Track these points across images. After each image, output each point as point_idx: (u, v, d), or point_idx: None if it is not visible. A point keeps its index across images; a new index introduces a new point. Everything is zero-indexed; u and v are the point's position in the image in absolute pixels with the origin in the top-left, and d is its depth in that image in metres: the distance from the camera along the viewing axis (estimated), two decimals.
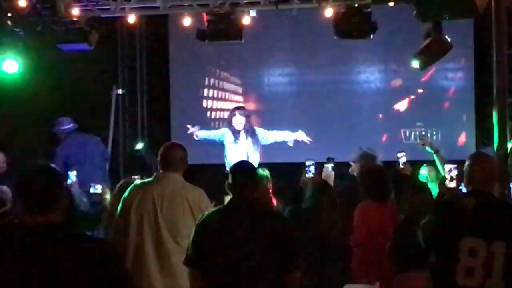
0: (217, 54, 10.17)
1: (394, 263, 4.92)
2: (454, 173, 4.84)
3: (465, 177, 3.68)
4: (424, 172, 6.40)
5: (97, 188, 6.23)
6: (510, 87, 6.12)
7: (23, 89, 8.94)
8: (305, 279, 4.20)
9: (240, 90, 10.50)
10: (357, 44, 8.80)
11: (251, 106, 9.96)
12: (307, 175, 5.80)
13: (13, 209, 5.08)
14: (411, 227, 4.28)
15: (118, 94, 10.26)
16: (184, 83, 10.57)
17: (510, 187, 5.47)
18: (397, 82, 10.22)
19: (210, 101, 10.53)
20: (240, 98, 10.46)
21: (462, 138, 9.99)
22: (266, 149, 8.37)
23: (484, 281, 3.41)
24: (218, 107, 10.50)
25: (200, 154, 8.45)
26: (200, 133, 8.24)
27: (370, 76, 10.29)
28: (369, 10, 7.53)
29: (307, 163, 5.85)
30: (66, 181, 6.31)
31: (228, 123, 8.27)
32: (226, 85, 10.53)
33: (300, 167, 5.91)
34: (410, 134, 9.90)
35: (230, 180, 3.97)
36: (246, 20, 7.94)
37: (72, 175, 6.33)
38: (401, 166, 6.39)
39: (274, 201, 5.58)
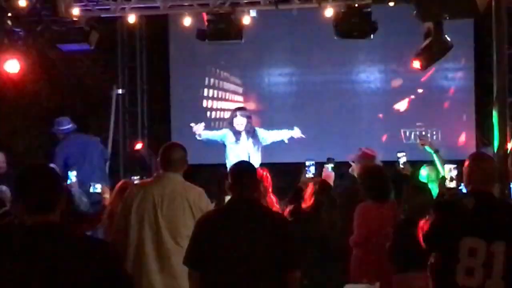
0: (217, 54, 10.17)
1: (394, 263, 4.93)
2: (454, 173, 4.83)
3: (465, 177, 3.67)
4: (424, 172, 6.40)
5: (97, 187, 6.24)
6: (510, 87, 6.11)
7: (23, 89, 8.94)
8: (305, 279, 4.20)
9: (240, 90, 10.50)
10: (357, 44, 8.80)
11: (251, 106, 9.96)
12: (307, 175, 5.80)
13: (12, 209, 5.08)
14: (411, 227, 4.28)
15: (118, 94, 10.26)
16: (184, 83, 10.57)
17: (510, 187, 5.46)
18: (397, 82, 10.22)
19: (210, 101, 10.53)
20: (240, 98, 10.46)
21: (462, 138, 10.00)
22: (266, 149, 8.37)
23: (484, 281, 3.41)
24: (218, 107, 10.50)
25: (200, 154, 8.45)
26: (203, 133, 8.24)
27: (370, 76, 10.30)
28: (369, 10, 7.53)
29: (307, 163, 5.85)
30: (66, 181, 6.32)
31: (229, 123, 8.27)
32: (226, 85, 10.54)
33: (300, 167, 5.91)
34: (410, 134, 9.90)
35: (230, 180, 3.97)
36: (246, 20, 7.94)
37: (72, 176, 6.33)
38: (401, 166, 6.39)
39: (274, 201, 5.57)
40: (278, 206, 5.58)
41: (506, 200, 4.90)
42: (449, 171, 4.86)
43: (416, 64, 7.19)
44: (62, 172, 7.06)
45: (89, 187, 6.34)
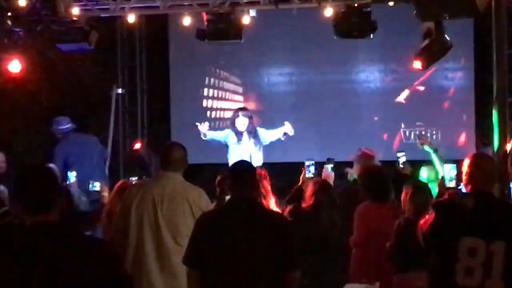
0: (217, 54, 10.17)
1: (394, 263, 4.93)
2: (454, 173, 4.84)
3: (465, 177, 3.67)
4: (424, 174, 6.39)
5: (95, 186, 6.25)
6: (510, 87, 6.11)
7: (23, 89, 8.94)
8: (305, 279, 4.20)
9: (240, 89, 10.50)
10: (357, 44, 8.81)
11: (251, 105, 9.97)
12: (307, 175, 5.80)
13: (12, 209, 5.08)
14: (411, 227, 4.28)
15: (118, 94, 10.26)
16: (184, 82, 10.58)
17: (510, 187, 5.46)
18: (397, 82, 10.22)
19: (210, 101, 10.53)
20: (240, 98, 10.46)
21: (462, 138, 10.00)
22: (266, 149, 8.38)
23: (484, 281, 3.40)
24: (218, 107, 10.51)
25: (200, 154, 8.46)
26: (208, 133, 8.26)
27: (370, 75, 10.30)
28: (369, 9, 7.53)
29: (307, 163, 5.85)
30: (66, 181, 6.32)
31: (231, 124, 8.30)
32: (226, 85, 10.54)
33: (300, 167, 5.91)
34: (410, 133, 9.90)
35: (230, 180, 3.97)
36: (246, 20, 7.94)
37: (72, 176, 6.33)
38: (401, 166, 6.40)
39: (274, 201, 5.57)
40: (278, 206, 5.58)
41: (506, 200, 4.89)
42: (448, 171, 4.87)
43: (417, 64, 7.19)
44: (62, 171, 7.07)
45: (88, 185, 6.35)
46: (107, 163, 8.73)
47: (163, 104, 10.73)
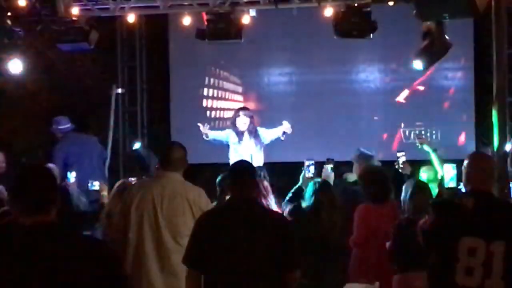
0: (217, 54, 10.17)
1: (394, 263, 4.93)
2: (454, 172, 4.83)
3: (464, 177, 3.67)
4: (424, 175, 6.39)
5: (94, 185, 6.24)
6: (510, 87, 6.13)
7: (23, 89, 8.94)
8: (305, 279, 4.20)
9: (240, 89, 10.50)
10: (357, 44, 8.79)
11: (251, 105, 9.96)
12: (307, 175, 5.80)
13: (11, 209, 5.07)
14: (411, 227, 4.28)
15: (118, 94, 10.26)
16: (184, 82, 10.57)
17: (510, 187, 5.47)
18: (397, 82, 10.22)
19: (210, 101, 10.53)
20: (239, 98, 10.46)
21: (462, 138, 10.00)
22: (266, 149, 8.37)
23: (484, 281, 3.40)
24: (218, 107, 10.51)
25: (200, 154, 8.46)
26: (210, 133, 8.27)
27: (369, 75, 10.30)
28: (368, 9, 7.53)
29: (306, 162, 5.85)
30: (65, 181, 6.32)
31: (232, 124, 8.29)
32: (226, 85, 10.54)
33: (300, 167, 5.91)
34: (410, 133, 9.89)
35: (229, 180, 3.97)
36: (245, 20, 7.94)
37: (71, 176, 6.33)
38: (401, 165, 6.39)
39: (274, 201, 5.57)
40: (278, 206, 5.58)
41: (505, 200, 4.89)
42: (448, 171, 4.87)
43: (417, 64, 7.19)
44: (62, 171, 7.07)
45: (88, 185, 6.34)
46: (107, 163, 8.73)
47: (163, 104, 10.73)
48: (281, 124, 8.29)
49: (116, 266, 2.75)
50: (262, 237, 3.76)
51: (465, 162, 3.68)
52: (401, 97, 10.15)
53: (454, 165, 4.86)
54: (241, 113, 8.28)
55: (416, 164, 6.62)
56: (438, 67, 9.09)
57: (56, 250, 2.60)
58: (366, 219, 5.39)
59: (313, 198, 5.35)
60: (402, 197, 5.04)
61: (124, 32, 10.50)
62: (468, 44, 9.78)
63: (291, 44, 10.27)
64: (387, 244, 4.98)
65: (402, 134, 10.01)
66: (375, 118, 10.21)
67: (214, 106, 10.51)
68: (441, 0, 6.15)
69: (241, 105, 9.59)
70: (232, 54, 10.14)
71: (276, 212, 4.77)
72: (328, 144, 9.63)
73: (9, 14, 7.34)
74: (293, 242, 3.85)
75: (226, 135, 8.31)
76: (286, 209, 5.51)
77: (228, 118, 9.82)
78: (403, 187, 5.09)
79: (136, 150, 10.11)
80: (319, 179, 5.65)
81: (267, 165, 7.83)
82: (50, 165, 6.79)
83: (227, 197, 4.12)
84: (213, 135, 8.35)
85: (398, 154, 6.48)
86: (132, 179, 6.28)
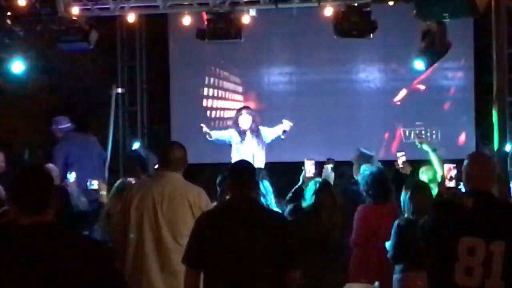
0: (216, 53, 10.17)
1: (394, 263, 4.93)
2: (454, 172, 4.83)
3: (464, 177, 3.67)
4: (424, 177, 6.38)
5: (93, 184, 6.23)
6: (510, 86, 6.13)
7: (23, 89, 8.94)
8: (305, 279, 4.20)
9: (240, 89, 10.50)
10: (357, 44, 8.79)
11: (251, 105, 9.93)
12: (307, 175, 5.79)
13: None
14: (411, 227, 4.28)
15: (117, 94, 10.25)
16: (184, 82, 10.57)
17: (510, 187, 5.47)
18: (396, 81, 10.22)
19: (210, 100, 10.53)
20: (240, 97, 10.46)
21: (462, 137, 10.00)
22: (266, 149, 8.36)
23: (483, 281, 3.40)
24: (218, 106, 10.50)
25: (200, 154, 8.46)
26: (212, 133, 8.26)
27: (369, 75, 10.29)
28: (368, 9, 7.52)
29: (306, 162, 5.84)
30: (64, 181, 6.31)
31: (234, 123, 8.28)
32: (226, 84, 10.53)
33: (300, 167, 5.91)
34: (410, 133, 9.89)
35: (230, 179, 3.97)
36: (245, 19, 7.93)
37: (71, 176, 6.33)
38: (401, 165, 6.39)
39: (274, 201, 5.57)
40: (278, 206, 5.58)
41: (505, 200, 4.89)
42: (448, 170, 4.86)
43: (417, 64, 7.19)
44: (62, 171, 7.07)
45: (86, 184, 6.34)
46: (107, 163, 8.72)
47: (163, 104, 10.72)
48: (281, 123, 8.28)
49: (115, 266, 2.76)
50: (262, 237, 3.76)
51: (465, 162, 3.68)
52: (401, 97, 10.15)
53: (454, 165, 4.86)
54: (243, 111, 8.27)
55: (416, 164, 6.61)
56: (438, 67, 9.10)
57: (56, 250, 2.60)
58: (366, 219, 5.40)
59: (313, 198, 5.34)
60: (402, 197, 5.04)
61: (124, 32, 10.50)
62: (468, 44, 9.78)
63: (291, 44, 10.27)
64: (387, 244, 4.99)
65: (402, 134, 10.01)
66: (375, 118, 10.20)
67: (214, 106, 10.50)
68: (441, 0, 6.15)
69: (241, 104, 9.59)
70: (232, 54, 10.14)
71: (276, 212, 4.76)
72: (328, 144, 9.63)
73: (9, 14, 7.34)
74: (293, 242, 3.85)
75: (228, 135, 8.30)
76: (286, 209, 5.51)
77: (228, 118, 9.82)
78: (403, 187, 5.10)
79: (135, 150, 10.10)
80: (319, 179, 5.65)
81: (268, 165, 7.83)
82: (50, 165, 6.80)
83: (227, 197, 4.12)
84: (216, 135, 8.34)
85: (398, 154, 6.48)
86: (131, 179, 6.27)
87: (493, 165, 3.81)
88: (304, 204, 5.44)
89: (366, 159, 6.52)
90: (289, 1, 7.99)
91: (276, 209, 5.36)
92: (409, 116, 10.05)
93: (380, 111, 10.23)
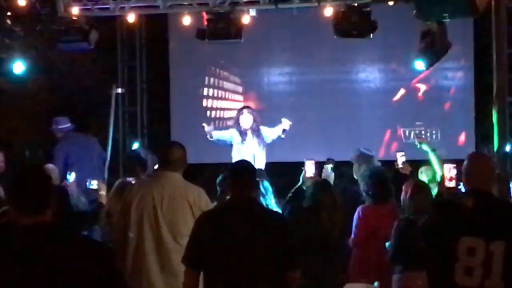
0: (217, 53, 10.17)
1: (394, 263, 4.93)
2: (453, 172, 4.83)
3: (464, 177, 3.67)
4: (424, 177, 6.38)
5: (92, 184, 6.23)
6: (510, 87, 6.13)
7: (23, 89, 8.94)
8: (305, 279, 4.20)
9: (240, 89, 10.50)
10: (357, 44, 8.79)
11: (251, 105, 9.93)
12: (307, 175, 5.79)
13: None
14: (411, 227, 4.28)
15: (117, 94, 10.25)
16: (184, 82, 10.57)
17: (510, 187, 5.47)
18: (396, 81, 10.22)
19: (210, 100, 10.53)
20: (239, 97, 10.46)
21: (462, 137, 10.00)
22: (266, 149, 8.36)
23: (483, 281, 3.40)
24: (218, 106, 10.51)
25: (200, 154, 8.46)
26: (213, 134, 8.26)
27: (369, 75, 10.30)
28: (368, 9, 7.53)
29: (307, 162, 5.84)
30: (64, 181, 6.31)
31: (235, 123, 8.28)
32: (226, 84, 10.54)
33: (300, 167, 5.91)
34: (410, 133, 9.89)
35: (230, 179, 3.97)
36: (245, 19, 7.94)
37: (71, 177, 6.33)
38: (401, 165, 6.39)
39: (274, 201, 5.57)
40: (277, 206, 5.58)
41: (505, 200, 4.89)
42: (448, 170, 4.87)
43: (417, 64, 7.19)
44: (62, 171, 7.07)
45: (86, 184, 6.34)
46: (107, 163, 8.72)
47: (163, 104, 10.73)
48: (280, 123, 8.28)
49: (115, 266, 2.76)
50: (262, 237, 3.76)
51: (465, 162, 3.68)
52: (401, 97, 10.15)
53: (454, 164, 4.86)
54: (245, 111, 8.28)
55: (416, 164, 6.61)
56: (438, 67, 9.07)
57: (56, 250, 2.60)
58: (366, 219, 5.40)
59: (313, 198, 5.34)
60: (402, 197, 5.04)
61: (124, 32, 10.50)
62: (468, 44, 9.78)
63: (291, 44, 10.27)
64: (387, 244, 4.99)
65: (402, 134, 10.01)
66: (375, 118, 10.19)
67: (214, 106, 10.51)
68: (441, 0, 6.15)
69: (241, 105, 9.59)
70: (232, 54, 10.14)
71: (276, 212, 4.76)
72: (328, 144, 9.63)
73: (9, 14, 7.34)
74: (293, 242, 3.85)
75: (230, 135, 8.29)
76: (286, 209, 5.51)
77: (228, 118, 9.82)
78: (403, 187, 5.10)
79: (135, 150, 10.10)
80: (319, 179, 5.65)
81: (267, 165, 7.83)
82: (50, 165, 6.80)
83: (227, 197, 4.12)
84: (217, 135, 8.34)
85: (398, 154, 6.47)
86: (130, 179, 6.27)
87: (493, 165, 3.81)
88: (304, 204, 5.44)
89: (366, 159, 6.53)
90: (289, 1, 7.99)
91: (276, 209, 5.36)
92: (409, 116, 10.04)
93: (380, 111, 10.23)
